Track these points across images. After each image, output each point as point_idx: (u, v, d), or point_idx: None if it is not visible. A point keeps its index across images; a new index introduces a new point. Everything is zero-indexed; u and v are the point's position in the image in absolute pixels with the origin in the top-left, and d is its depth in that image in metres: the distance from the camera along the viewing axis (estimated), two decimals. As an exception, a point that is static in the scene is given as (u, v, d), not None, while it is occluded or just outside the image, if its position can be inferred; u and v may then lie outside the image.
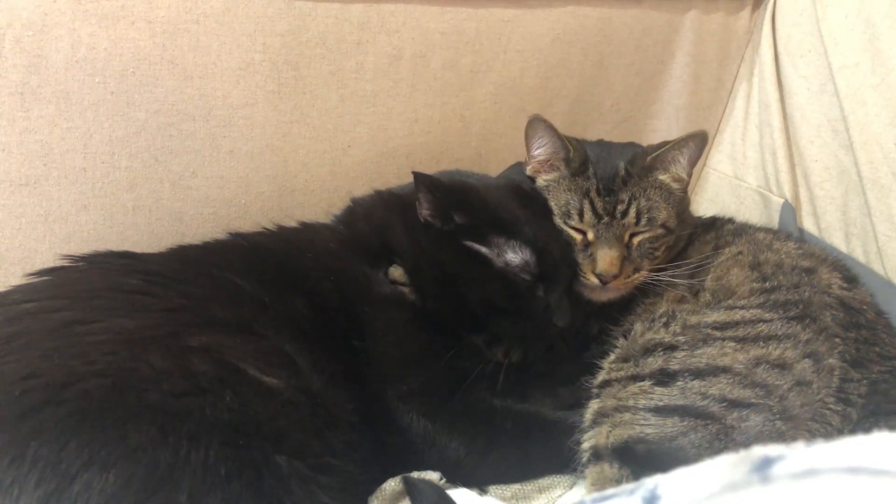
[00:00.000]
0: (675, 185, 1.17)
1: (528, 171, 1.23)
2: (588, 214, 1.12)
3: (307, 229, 1.20)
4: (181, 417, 0.77)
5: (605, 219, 1.12)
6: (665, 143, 1.16)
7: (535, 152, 1.21)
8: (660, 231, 1.13)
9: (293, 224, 1.20)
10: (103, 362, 0.81)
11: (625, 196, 1.12)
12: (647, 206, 1.12)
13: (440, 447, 1.02)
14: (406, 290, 1.11)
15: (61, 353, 0.82)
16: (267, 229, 1.17)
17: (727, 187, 1.64)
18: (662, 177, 1.16)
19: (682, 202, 1.18)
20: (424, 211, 1.10)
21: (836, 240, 1.39)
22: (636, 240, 1.13)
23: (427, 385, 1.05)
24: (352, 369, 1.02)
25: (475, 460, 1.03)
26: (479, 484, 1.04)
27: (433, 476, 1.01)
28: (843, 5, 1.35)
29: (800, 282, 1.04)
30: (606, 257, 1.10)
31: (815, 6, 1.41)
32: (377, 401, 1.03)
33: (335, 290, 1.08)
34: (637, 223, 1.12)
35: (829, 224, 1.41)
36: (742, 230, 1.22)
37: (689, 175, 1.19)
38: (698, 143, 1.15)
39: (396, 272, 1.12)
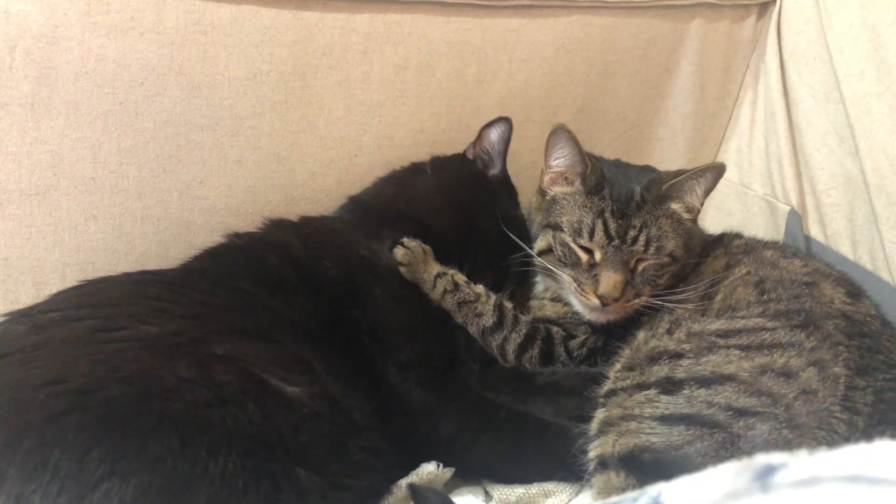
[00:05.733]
0: (686, 216, 1.17)
1: (545, 181, 1.23)
2: (599, 235, 1.12)
3: (305, 220, 1.24)
4: (203, 428, 0.78)
5: (616, 241, 1.12)
6: (682, 172, 1.16)
7: (554, 162, 1.21)
8: (666, 260, 1.14)
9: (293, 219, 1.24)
10: (127, 370, 0.82)
11: (637, 222, 1.12)
12: (658, 234, 1.12)
13: (435, 419, 1.05)
14: (404, 269, 1.16)
15: (86, 359, 0.83)
16: (267, 220, 1.21)
17: (733, 195, 1.64)
18: (675, 206, 1.16)
19: (690, 232, 1.18)
20: (479, 149, 1.32)
21: (843, 247, 1.39)
22: (641, 265, 1.13)
23: (424, 356, 1.09)
24: (360, 358, 1.05)
25: (468, 438, 1.05)
26: (475, 469, 1.07)
27: (430, 467, 1.02)
28: (849, 14, 1.35)
29: (800, 294, 1.04)
30: (610, 280, 1.10)
31: (820, 15, 1.41)
32: (383, 383, 1.05)
33: (335, 265, 1.13)
34: (645, 251, 1.12)
35: (835, 231, 1.41)
36: (750, 247, 1.21)
37: (702, 204, 1.19)
38: (716, 174, 1.16)
39: (399, 252, 1.16)
